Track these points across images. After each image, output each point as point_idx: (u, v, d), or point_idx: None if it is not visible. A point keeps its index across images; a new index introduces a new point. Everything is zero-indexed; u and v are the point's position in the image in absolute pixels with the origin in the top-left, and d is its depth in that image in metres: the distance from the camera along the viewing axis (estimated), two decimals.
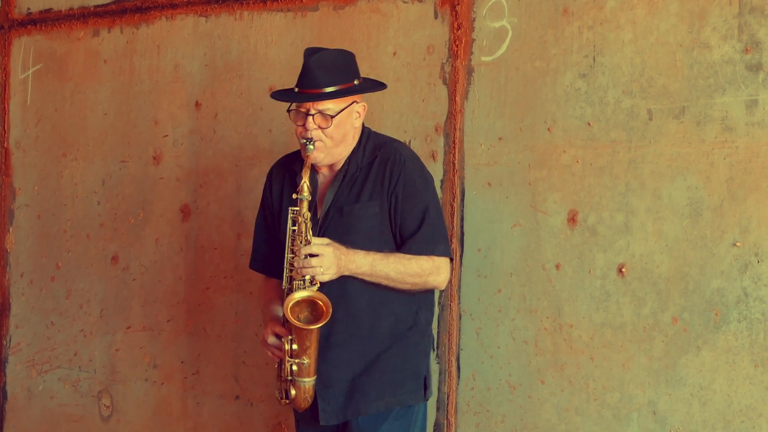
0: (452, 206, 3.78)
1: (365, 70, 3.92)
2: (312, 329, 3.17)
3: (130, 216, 4.68)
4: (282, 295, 3.33)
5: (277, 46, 4.24)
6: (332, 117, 3.22)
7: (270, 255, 3.50)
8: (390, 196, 3.29)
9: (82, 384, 4.85)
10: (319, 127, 3.23)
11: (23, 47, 5.03)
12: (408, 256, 3.27)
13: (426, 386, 3.40)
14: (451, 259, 3.39)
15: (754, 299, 3.26)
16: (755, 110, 3.25)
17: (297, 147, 4.17)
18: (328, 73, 3.21)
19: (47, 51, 4.95)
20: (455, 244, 3.76)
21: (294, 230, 3.21)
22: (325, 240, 3.21)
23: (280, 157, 3.57)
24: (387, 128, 3.90)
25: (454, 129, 3.79)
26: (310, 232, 3.19)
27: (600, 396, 3.52)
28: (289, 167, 3.44)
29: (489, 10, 3.72)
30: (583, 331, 3.54)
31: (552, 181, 3.59)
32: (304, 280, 3.18)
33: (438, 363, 3.80)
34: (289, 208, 3.24)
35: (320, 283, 3.19)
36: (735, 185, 3.28)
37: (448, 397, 3.77)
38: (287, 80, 4.18)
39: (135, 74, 4.66)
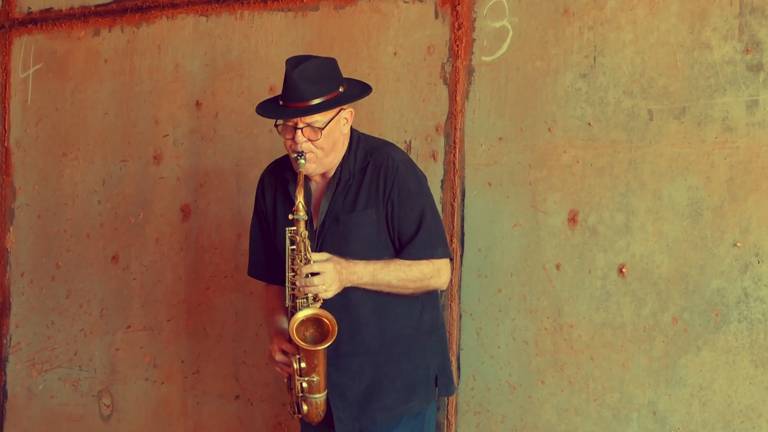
0: (452, 206, 3.78)
1: (365, 70, 3.93)
2: (319, 349, 3.17)
3: (131, 216, 4.68)
4: (284, 303, 3.32)
5: (278, 45, 4.24)
6: (321, 129, 3.19)
7: (268, 262, 3.49)
8: (386, 203, 3.27)
9: (82, 383, 4.85)
10: (309, 140, 3.20)
11: (24, 46, 5.03)
12: (408, 261, 3.26)
13: (437, 384, 3.40)
14: (451, 259, 3.38)
15: (755, 299, 3.26)
16: (756, 110, 3.25)
17: None
18: (312, 84, 3.18)
19: (48, 50, 4.95)
20: (455, 244, 3.76)
21: (293, 249, 3.19)
22: (325, 255, 3.19)
23: (269, 163, 3.54)
24: (387, 128, 3.90)
25: (455, 129, 3.79)
26: (310, 251, 3.16)
27: (600, 396, 3.52)
28: (281, 175, 3.41)
29: (489, 10, 3.72)
30: (584, 331, 3.54)
31: (552, 181, 3.59)
32: (307, 298, 3.17)
33: None
34: (286, 228, 3.20)
35: (323, 300, 3.18)
36: (735, 185, 3.28)
37: (448, 397, 3.77)
38: None
39: (135, 74, 4.66)
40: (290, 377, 3.29)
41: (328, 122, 3.20)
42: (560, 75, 3.58)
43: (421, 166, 3.53)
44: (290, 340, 3.23)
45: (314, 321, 3.16)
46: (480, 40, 3.75)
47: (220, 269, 4.41)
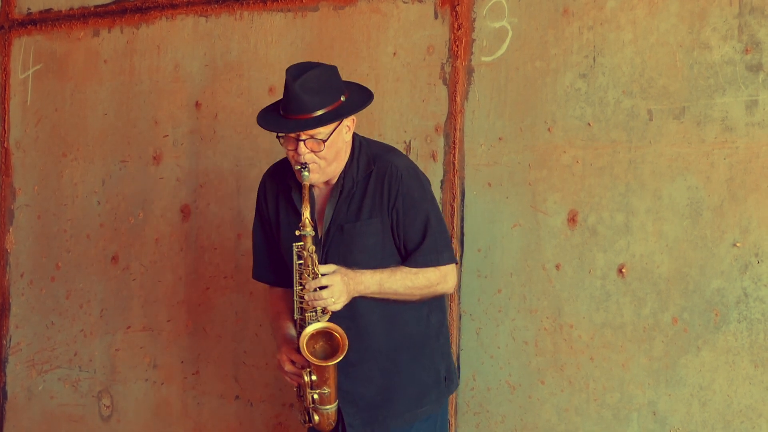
0: (452, 206, 3.78)
1: (365, 71, 3.93)
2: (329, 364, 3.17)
3: (130, 216, 4.68)
4: (289, 305, 3.33)
5: (278, 46, 4.24)
6: (324, 141, 3.16)
7: (271, 264, 3.48)
8: (391, 212, 3.25)
9: (82, 384, 4.85)
10: (312, 151, 3.17)
11: (23, 47, 5.03)
12: (414, 269, 3.26)
13: (447, 385, 3.41)
14: (457, 264, 3.38)
15: (754, 299, 3.26)
16: (755, 110, 3.25)
17: None
18: (314, 94, 3.14)
19: (47, 51, 4.95)
20: (455, 244, 3.76)
21: (300, 264, 3.17)
22: (332, 267, 3.18)
23: (270, 166, 3.52)
24: (387, 128, 3.90)
25: (454, 129, 3.79)
26: (317, 265, 3.15)
27: (600, 396, 3.52)
28: (283, 180, 3.39)
29: (489, 11, 3.72)
30: (583, 332, 3.54)
31: (552, 181, 3.59)
32: (315, 311, 3.16)
33: None
34: (293, 244, 3.18)
35: (331, 312, 3.17)
36: (735, 185, 3.28)
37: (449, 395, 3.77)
38: None
39: (135, 74, 4.66)
40: (300, 386, 3.28)
41: (331, 133, 3.17)
42: (560, 75, 3.58)
43: (420, 166, 3.53)
44: (299, 351, 3.21)
45: (324, 334, 3.15)
46: (479, 41, 3.75)
47: (220, 269, 4.41)
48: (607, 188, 3.49)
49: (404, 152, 3.66)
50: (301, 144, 3.15)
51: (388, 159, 3.30)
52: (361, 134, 3.38)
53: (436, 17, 3.84)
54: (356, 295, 3.20)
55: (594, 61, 3.52)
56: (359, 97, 3.27)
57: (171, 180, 4.55)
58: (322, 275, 3.14)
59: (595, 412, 3.52)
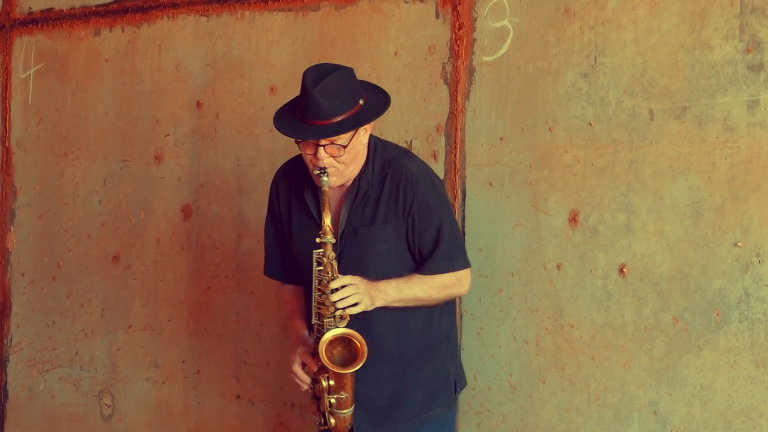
0: (453, 206, 3.78)
1: (366, 70, 3.93)
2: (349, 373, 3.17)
3: (132, 215, 4.68)
4: (302, 304, 3.35)
5: (279, 45, 4.24)
6: (344, 147, 3.14)
7: (283, 262, 3.48)
8: (406, 219, 3.24)
9: (83, 383, 4.85)
10: (331, 156, 3.15)
11: (25, 46, 5.03)
12: (430, 275, 3.26)
13: (455, 389, 3.41)
14: (470, 267, 3.36)
15: (756, 299, 3.25)
16: (756, 110, 3.25)
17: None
18: (334, 99, 3.11)
19: (48, 50, 4.95)
20: None
21: (320, 270, 3.16)
22: (350, 276, 3.17)
23: (284, 163, 3.50)
24: (388, 128, 3.90)
25: (456, 129, 3.79)
26: (337, 273, 3.15)
27: (601, 396, 3.52)
28: (296, 179, 3.37)
29: (490, 10, 3.72)
30: (584, 331, 3.54)
31: (553, 181, 3.59)
32: (334, 317, 3.14)
33: None
34: (314, 251, 3.16)
35: (349, 316, 3.15)
36: (736, 185, 3.28)
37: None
38: (288, 80, 4.19)
39: (136, 74, 4.66)
40: (314, 388, 3.26)
41: (351, 138, 3.15)
42: (561, 75, 3.58)
43: None
44: (314, 354, 3.21)
45: (342, 339, 3.14)
46: (481, 40, 3.75)
47: (221, 269, 4.41)
48: (609, 188, 3.49)
49: None
50: (321, 149, 3.14)
51: (403, 164, 3.28)
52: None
53: (437, 17, 3.84)
54: (379, 304, 3.18)
55: (595, 60, 3.52)
56: (377, 101, 3.25)
57: (172, 179, 4.55)
58: (342, 276, 3.13)
59: (596, 412, 3.52)
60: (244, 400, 4.36)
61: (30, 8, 5.01)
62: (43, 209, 4.98)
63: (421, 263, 3.27)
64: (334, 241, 3.15)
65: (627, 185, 3.46)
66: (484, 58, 3.74)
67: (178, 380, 4.54)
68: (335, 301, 3.11)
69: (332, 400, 3.22)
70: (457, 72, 3.79)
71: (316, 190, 3.29)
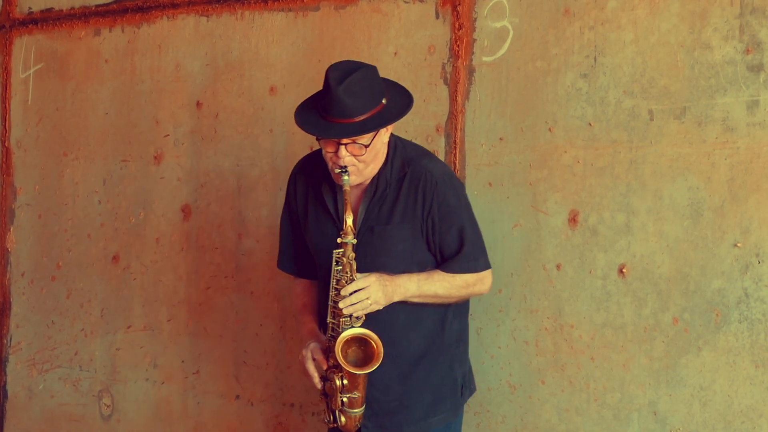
0: None
1: None
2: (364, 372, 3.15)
3: (131, 215, 4.68)
4: (314, 299, 3.35)
5: (279, 45, 4.24)
6: (366, 146, 3.13)
7: (297, 255, 3.47)
8: (426, 220, 3.23)
9: (82, 383, 4.85)
10: (353, 155, 3.14)
11: (24, 46, 5.03)
12: (452, 274, 3.25)
13: (462, 394, 3.39)
14: (491, 268, 3.36)
15: (755, 300, 3.25)
16: (756, 111, 3.25)
17: (300, 147, 4.17)
18: (357, 98, 3.10)
19: (48, 50, 4.95)
20: None
21: (338, 270, 3.15)
22: (368, 274, 3.16)
23: (301, 158, 3.49)
24: None
25: (455, 129, 3.79)
26: (356, 273, 3.14)
27: (600, 396, 3.52)
28: (313, 174, 3.36)
29: (490, 10, 3.72)
30: (584, 332, 3.53)
31: (553, 181, 3.59)
32: (350, 317, 3.14)
33: None
34: (334, 251, 3.15)
35: (365, 316, 3.15)
36: (736, 186, 3.28)
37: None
38: (288, 80, 4.19)
39: (136, 74, 4.66)
40: (325, 386, 3.25)
41: (373, 138, 3.14)
42: (561, 75, 3.58)
43: None
44: (327, 350, 3.20)
45: (358, 339, 3.13)
46: (480, 40, 3.75)
47: (220, 269, 4.41)
48: (608, 188, 3.49)
49: None
50: (342, 148, 3.12)
51: (422, 164, 3.26)
52: None
53: (437, 17, 3.84)
54: (397, 299, 3.18)
55: (595, 61, 3.52)
56: (400, 100, 3.22)
57: (172, 179, 4.55)
58: (358, 278, 3.12)
59: (596, 412, 3.52)
60: (243, 400, 4.36)
61: (30, 8, 5.01)
62: (42, 209, 4.98)
63: (443, 262, 3.26)
64: (355, 241, 3.14)
65: (626, 185, 3.46)
66: (484, 59, 3.74)
67: (177, 380, 4.54)
68: (343, 308, 3.11)
69: (344, 399, 3.20)
70: (457, 72, 3.79)
71: (334, 187, 3.28)
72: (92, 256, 4.80)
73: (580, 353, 3.54)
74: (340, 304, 3.12)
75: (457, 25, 3.79)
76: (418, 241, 3.25)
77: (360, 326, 3.14)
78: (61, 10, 4.90)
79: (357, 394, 3.21)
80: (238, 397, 4.37)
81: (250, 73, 4.32)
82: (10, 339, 5.10)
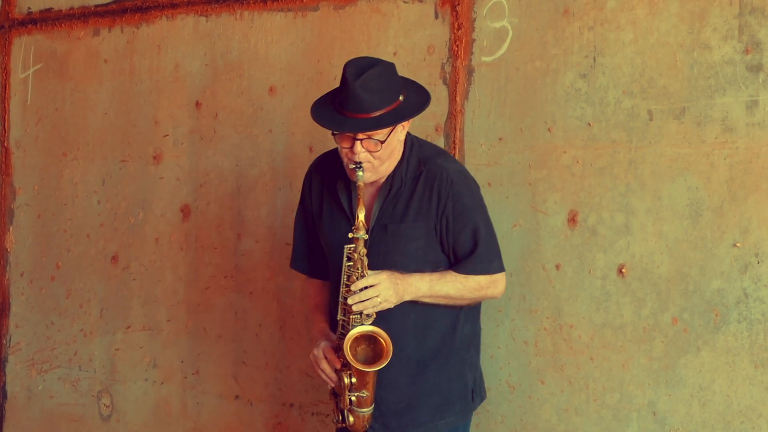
0: None
1: None
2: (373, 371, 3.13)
3: (130, 216, 4.68)
4: (326, 299, 3.34)
5: (278, 45, 4.24)
6: (382, 142, 3.11)
7: (310, 255, 3.46)
8: (440, 219, 3.21)
9: (81, 383, 4.85)
10: (368, 151, 3.13)
11: (24, 47, 5.03)
12: (464, 275, 3.23)
13: (473, 398, 3.38)
14: (505, 271, 3.34)
15: (754, 300, 3.25)
16: (755, 111, 3.25)
17: (299, 147, 4.17)
18: (374, 94, 3.08)
19: (47, 50, 4.95)
20: None
21: (350, 265, 3.13)
22: (379, 271, 3.14)
23: (318, 156, 3.48)
24: None
25: (455, 129, 3.79)
26: (366, 269, 3.12)
27: (600, 396, 3.52)
28: (329, 171, 3.35)
29: (489, 11, 3.72)
30: (583, 332, 3.54)
31: (552, 181, 3.59)
32: (360, 314, 3.11)
33: None
34: (345, 246, 3.14)
35: (375, 314, 3.13)
36: (735, 186, 3.28)
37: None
38: (287, 80, 4.19)
39: (135, 74, 4.66)
40: (336, 387, 3.24)
41: (389, 134, 3.13)
42: (560, 75, 3.58)
43: None
44: (338, 348, 3.18)
45: (368, 337, 3.11)
46: (480, 41, 3.75)
47: (220, 269, 4.41)
48: (607, 188, 3.49)
49: None
50: (358, 143, 3.11)
51: (439, 163, 3.25)
52: None
53: (436, 17, 3.84)
54: (408, 298, 3.16)
55: (594, 61, 3.52)
56: (417, 97, 3.22)
57: (171, 180, 4.55)
58: (369, 275, 3.10)
59: (595, 412, 3.52)
60: (242, 401, 4.36)
61: (29, 8, 5.01)
62: (41, 209, 4.98)
63: (456, 263, 3.25)
64: (366, 236, 3.12)
65: (626, 185, 3.46)
66: (483, 59, 3.74)
67: (176, 380, 4.54)
68: (351, 304, 3.10)
69: (353, 398, 3.18)
70: (456, 72, 3.79)
71: (349, 184, 3.27)
72: (91, 256, 4.80)
73: (579, 353, 3.54)
74: (349, 301, 3.10)
75: (456, 25, 3.79)
76: (432, 241, 3.23)
77: (370, 324, 3.12)
78: (60, 11, 4.90)
79: (366, 393, 3.18)
80: (237, 397, 4.37)
81: (249, 73, 4.32)
82: (10, 339, 5.10)
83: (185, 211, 4.51)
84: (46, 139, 4.95)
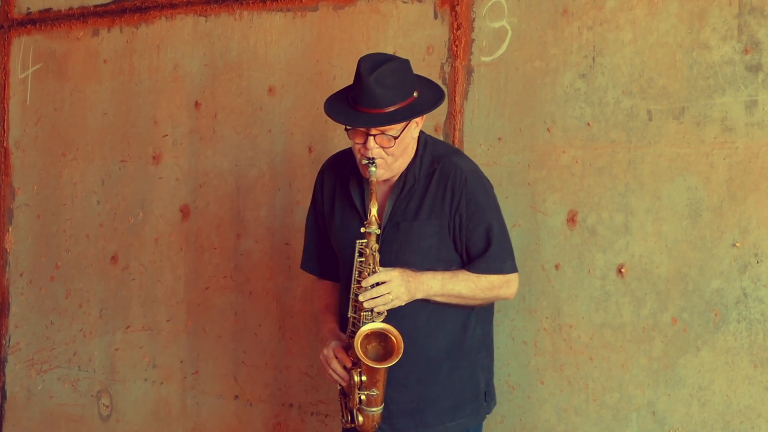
0: None
1: None
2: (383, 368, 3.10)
3: (130, 216, 4.68)
4: (337, 300, 3.32)
5: (277, 46, 4.24)
6: (395, 138, 3.09)
7: (321, 256, 3.44)
8: (453, 217, 3.19)
9: (81, 384, 4.85)
10: (381, 146, 3.11)
11: (23, 47, 5.03)
12: (477, 274, 3.21)
13: (486, 401, 3.35)
14: (518, 272, 3.31)
15: (754, 300, 3.26)
16: (755, 111, 3.25)
17: (299, 147, 4.17)
18: (389, 89, 3.05)
19: (47, 51, 4.95)
20: None
21: (361, 261, 3.11)
22: (391, 269, 3.12)
23: (331, 156, 3.46)
24: None
25: (454, 129, 3.79)
26: (378, 265, 3.10)
27: (599, 396, 3.52)
28: (342, 170, 3.33)
29: (489, 11, 3.72)
30: (583, 332, 3.54)
31: (551, 181, 3.59)
32: (371, 311, 3.09)
33: None
34: (357, 241, 3.11)
35: (386, 312, 3.10)
36: (734, 186, 3.28)
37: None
38: (286, 80, 4.19)
39: (134, 74, 4.66)
40: (345, 386, 3.22)
41: (402, 130, 3.11)
42: (559, 75, 3.58)
43: None
44: (348, 348, 3.16)
45: (378, 335, 3.08)
46: (479, 41, 3.75)
47: (219, 269, 4.41)
48: (607, 188, 3.49)
49: None
50: (371, 139, 3.09)
51: (452, 161, 3.23)
52: None
53: (435, 17, 3.84)
54: (420, 296, 3.14)
55: (593, 61, 3.52)
56: (431, 94, 3.19)
57: (170, 180, 4.55)
58: (381, 271, 3.08)
59: (595, 412, 3.52)
60: (242, 401, 4.36)
61: (28, 8, 5.01)
62: (41, 209, 4.98)
63: (469, 262, 3.23)
64: (378, 231, 3.10)
65: (625, 185, 3.46)
66: (483, 59, 3.74)
67: (176, 380, 4.54)
68: (363, 301, 3.07)
69: (362, 397, 3.15)
70: (456, 72, 3.79)
71: (362, 182, 3.24)
72: (91, 256, 4.80)
73: (578, 353, 3.54)
74: (360, 297, 3.08)
75: (455, 26, 3.79)
76: (445, 239, 3.21)
77: (381, 321, 3.09)
78: (60, 11, 4.90)
79: (376, 392, 3.15)
80: (236, 397, 4.37)
81: (248, 74, 4.32)
82: (9, 339, 5.10)
83: (185, 211, 4.51)
84: (45, 140, 4.95)
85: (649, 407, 3.43)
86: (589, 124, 3.53)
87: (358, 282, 3.11)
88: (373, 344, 3.10)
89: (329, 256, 3.41)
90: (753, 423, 3.26)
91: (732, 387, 3.29)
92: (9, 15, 5.06)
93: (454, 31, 3.79)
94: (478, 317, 3.31)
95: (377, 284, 3.08)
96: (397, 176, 3.22)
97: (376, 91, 3.05)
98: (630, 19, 3.45)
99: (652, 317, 3.41)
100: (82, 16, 4.83)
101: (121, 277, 4.71)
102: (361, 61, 3.11)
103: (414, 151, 3.22)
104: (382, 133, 3.09)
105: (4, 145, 5.08)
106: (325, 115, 3.19)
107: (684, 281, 3.36)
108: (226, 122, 4.38)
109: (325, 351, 3.22)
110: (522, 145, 3.65)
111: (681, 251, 3.36)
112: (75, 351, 4.86)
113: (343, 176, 3.32)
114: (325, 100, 3.21)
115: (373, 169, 3.10)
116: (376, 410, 3.19)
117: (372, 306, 3.08)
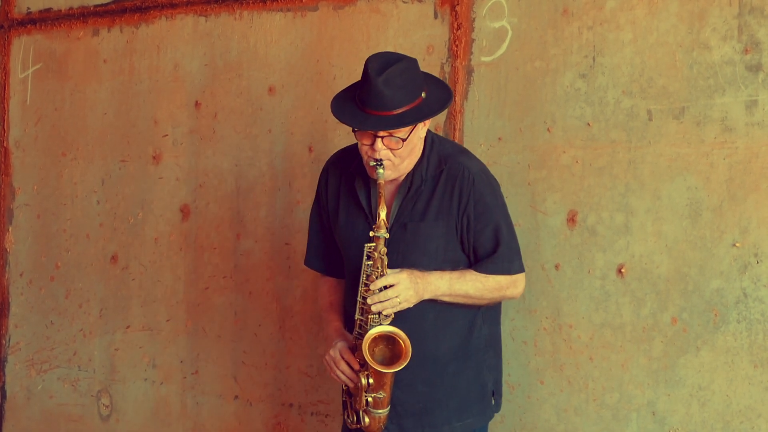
0: None
1: None
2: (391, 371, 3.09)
3: (130, 216, 4.68)
4: (341, 298, 3.31)
5: (277, 45, 4.24)
6: (403, 140, 3.07)
7: (325, 253, 3.42)
8: (461, 217, 3.17)
9: (81, 383, 4.85)
10: (389, 148, 3.09)
11: (23, 47, 5.03)
12: (485, 274, 3.20)
13: (494, 400, 3.34)
14: (524, 272, 3.30)
15: (754, 300, 3.25)
16: (755, 111, 3.25)
17: (299, 147, 4.17)
18: (397, 90, 3.03)
19: (47, 50, 4.95)
20: None
21: (369, 264, 3.08)
22: (399, 270, 3.10)
23: (335, 152, 3.44)
24: None
25: (454, 129, 3.79)
26: (386, 269, 3.08)
27: (599, 396, 3.52)
28: (346, 168, 3.31)
29: (489, 10, 3.72)
30: (583, 332, 3.54)
31: (551, 181, 3.59)
32: (379, 314, 3.07)
33: None
34: (365, 245, 3.09)
35: (393, 314, 3.09)
36: (735, 186, 3.28)
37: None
38: (286, 80, 4.19)
39: (135, 74, 4.66)
40: (351, 387, 3.20)
41: (410, 132, 3.09)
42: (559, 75, 3.58)
43: None
44: (354, 349, 3.15)
45: (385, 338, 3.07)
46: (479, 41, 3.75)
47: (219, 269, 4.41)
48: (607, 188, 3.49)
49: None
50: (379, 141, 3.07)
51: (460, 161, 3.21)
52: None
53: (435, 17, 3.84)
54: (428, 296, 3.13)
55: (593, 61, 3.52)
56: (439, 95, 3.17)
57: (170, 180, 4.55)
58: (389, 274, 3.06)
59: (595, 412, 3.52)
60: (242, 401, 4.36)
61: (28, 8, 5.01)
62: (41, 209, 4.98)
63: (476, 263, 3.21)
64: (387, 236, 3.07)
65: (625, 185, 3.46)
66: (483, 59, 3.74)
67: (176, 380, 4.54)
68: (371, 305, 3.06)
69: (369, 399, 3.14)
70: (456, 72, 3.79)
71: (368, 181, 3.23)
72: (91, 256, 4.80)
73: (578, 353, 3.54)
74: (369, 301, 3.06)
75: (455, 25, 3.79)
76: (452, 239, 3.19)
77: (389, 324, 3.08)
78: (60, 11, 4.90)
79: (382, 395, 3.14)
80: (236, 397, 4.37)
81: (248, 73, 4.32)
82: (9, 339, 5.10)
83: (185, 211, 4.51)
84: (45, 139, 4.95)
85: (649, 407, 3.43)
86: (589, 124, 3.53)
87: (366, 285, 3.09)
88: (381, 347, 3.09)
89: (333, 253, 3.39)
90: (753, 423, 3.26)
91: (732, 387, 3.29)
92: (9, 15, 5.07)
93: (454, 31, 3.79)
94: (484, 317, 3.30)
95: (385, 287, 3.07)
96: (404, 176, 3.20)
97: (384, 93, 3.03)
98: (630, 19, 3.45)
99: (652, 317, 3.41)
100: (82, 15, 4.83)
101: (121, 277, 4.71)
102: (369, 61, 3.08)
103: (421, 151, 3.21)
104: (391, 135, 3.07)
105: (4, 144, 5.08)
106: (325, 115, 3.19)
107: (684, 281, 3.36)
108: (226, 122, 4.38)
109: (331, 352, 3.20)
110: (522, 145, 3.65)
111: (681, 251, 3.36)
112: (75, 351, 4.86)
113: (348, 174, 3.30)
114: (328, 99, 3.20)
115: (381, 170, 3.08)
116: (383, 412, 3.18)
117: (380, 309, 3.07)
